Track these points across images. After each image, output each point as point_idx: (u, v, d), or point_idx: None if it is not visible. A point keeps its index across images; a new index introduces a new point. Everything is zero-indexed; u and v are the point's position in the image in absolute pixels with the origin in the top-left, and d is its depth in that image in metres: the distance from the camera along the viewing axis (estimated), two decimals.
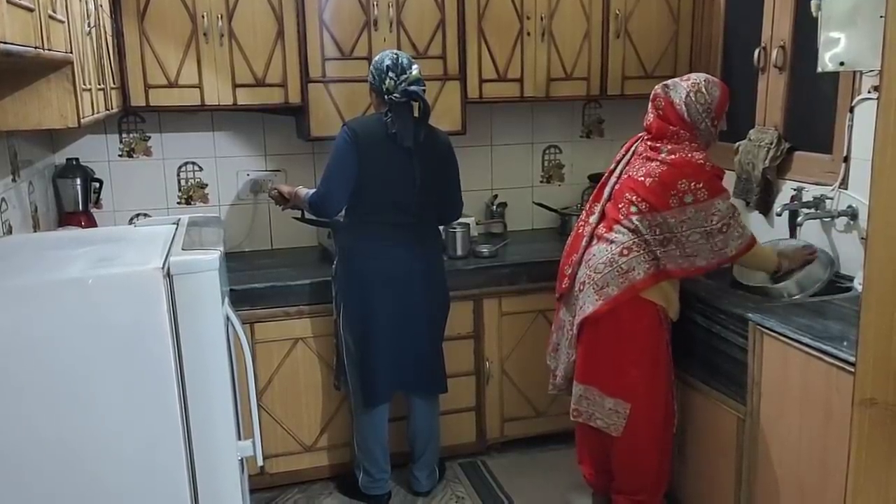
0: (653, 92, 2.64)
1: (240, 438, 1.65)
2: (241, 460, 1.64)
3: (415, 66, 2.71)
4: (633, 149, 2.69)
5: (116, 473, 1.47)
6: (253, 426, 1.69)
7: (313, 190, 2.81)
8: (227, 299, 1.65)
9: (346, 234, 2.83)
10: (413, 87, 2.66)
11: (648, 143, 2.62)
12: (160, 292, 1.44)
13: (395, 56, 2.71)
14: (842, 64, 2.24)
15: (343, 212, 2.81)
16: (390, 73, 2.67)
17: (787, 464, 2.33)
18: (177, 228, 1.81)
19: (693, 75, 2.62)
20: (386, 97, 2.68)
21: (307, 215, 3.03)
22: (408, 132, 2.69)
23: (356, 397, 2.90)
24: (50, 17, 1.74)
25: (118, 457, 1.47)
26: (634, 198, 2.55)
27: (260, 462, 1.69)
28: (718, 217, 2.47)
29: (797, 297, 2.61)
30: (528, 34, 3.32)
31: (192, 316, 1.47)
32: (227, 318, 1.61)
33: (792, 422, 2.29)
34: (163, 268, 1.45)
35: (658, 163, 2.54)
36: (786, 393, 2.30)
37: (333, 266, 2.87)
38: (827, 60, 2.27)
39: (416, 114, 2.72)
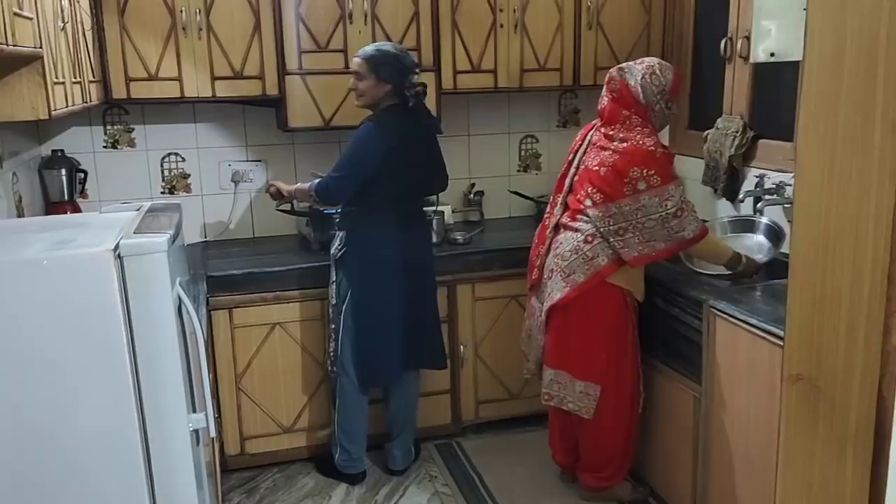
0: (608, 75, 2.69)
1: (194, 411, 1.74)
2: (196, 432, 1.74)
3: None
4: (588, 138, 2.76)
5: (72, 446, 1.56)
6: (205, 399, 1.79)
7: (317, 180, 2.90)
8: (180, 280, 1.74)
9: (360, 222, 2.91)
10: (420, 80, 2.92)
11: (602, 130, 2.68)
12: (111, 273, 1.53)
13: (409, 53, 2.90)
14: (772, 55, 2.29)
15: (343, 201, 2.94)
16: (416, 70, 2.89)
17: (738, 440, 2.41)
18: (138, 214, 1.90)
19: (647, 59, 2.68)
20: (407, 92, 2.84)
21: (297, 207, 3.22)
22: (432, 121, 3.01)
23: (353, 380, 2.98)
24: (15, 14, 1.83)
25: (74, 430, 1.56)
26: (590, 189, 2.62)
27: (212, 433, 1.79)
28: (672, 202, 2.53)
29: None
30: (501, 26, 3.39)
31: (142, 295, 1.56)
32: (180, 299, 1.70)
33: (741, 400, 2.37)
34: (114, 249, 1.54)
35: (611, 152, 2.60)
36: (735, 372, 2.38)
37: (333, 252, 2.95)
38: (759, 51, 2.32)
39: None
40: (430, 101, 3.33)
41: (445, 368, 3.20)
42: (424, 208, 3.10)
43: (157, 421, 1.62)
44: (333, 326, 2.99)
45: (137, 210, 1.95)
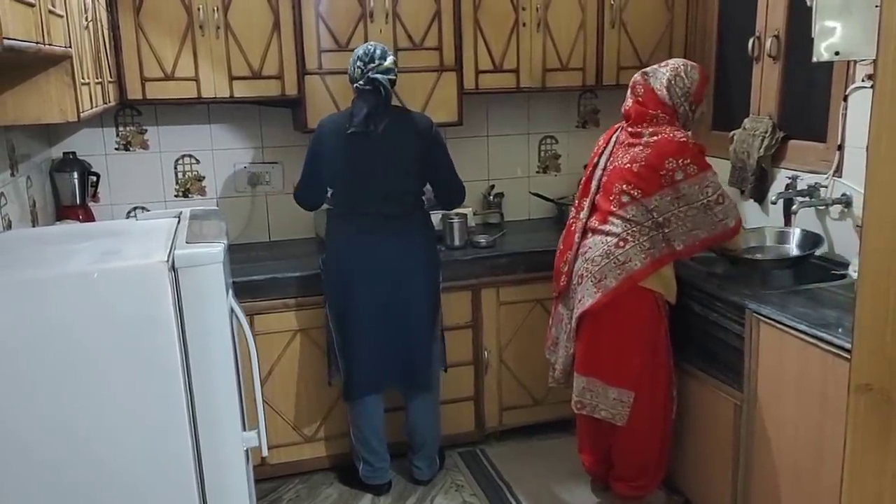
0: (632, 80, 2.67)
1: (245, 429, 1.66)
2: (247, 451, 1.66)
3: (389, 58, 2.72)
4: (613, 139, 2.71)
5: (124, 465, 1.48)
6: (258, 416, 1.71)
7: None
8: (231, 291, 1.67)
9: (328, 227, 2.88)
10: (378, 76, 2.67)
11: (629, 129, 2.64)
12: (165, 285, 1.45)
13: (370, 47, 2.73)
14: (837, 54, 2.25)
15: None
16: (358, 63, 2.70)
17: (784, 449, 2.35)
18: (179, 221, 1.82)
19: (671, 61, 2.66)
20: (353, 86, 2.72)
21: None
22: (361, 118, 2.68)
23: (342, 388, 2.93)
24: (50, 11, 1.74)
25: (126, 449, 1.48)
26: (625, 186, 2.57)
27: (265, 452, 1.71)
28: (713, 189, 2.51)
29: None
30: (524, 25, 3.33)
31: (197, 308, 1.49)
32: (232, 310, 1.63)
33: (788, 408, 2.32)
34: (167, 261, 1.46)
35: (641, 146, 2.56)
36: (782, 379, 2.33)
37: (321, 259, 2.90)
38: (822, 50, 2.28)
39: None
40: (451, 103, 3.27)
41: (430, 392, 2.98)
42: (412, 213, 2.84)
43: (211, 440, 1.54)
44: (327, 336, 2.95)
45: (177, 217, 1.87)
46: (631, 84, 2.67)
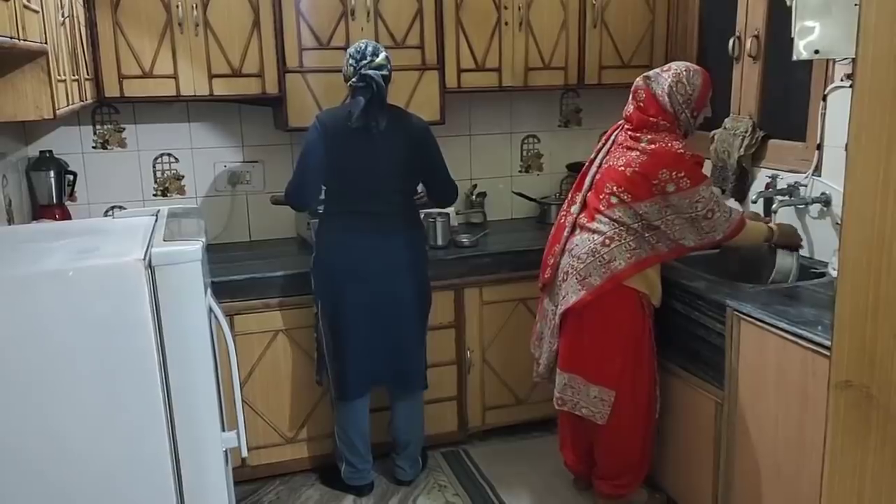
0: (634, 85, 2.65)
1: (224, 430, 1.64)
2: (226, 451, 1.64)
3: (381, 54, 2.70)
4: (613, 138, 2.70)
5: (101, 465, 1.46)
6: (237, 417, 1.68)
7: None
8: (209, 290, 1.64)
9: (320, 225, 2.83)
10: (370, 72, 2.65)
11: (629, 132, 2.63)
12: (142, 284, 1.43)
13: (361, 44, 2.72)
14: (816, 52, 2.27)
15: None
16: (350, 60, 2.69)
17: (765, 447, 2.36)
18: (156, 220, 1.79)
19: (674, 65, 2.63)
20: (347, 84, 2.70)
21: None
22: (360, 114, 2.66)
23: (334, 390, 2.90)
24: (25, 6, 1.71)
25: (102, 449, 1.46)
26: (615, 188, 2.56)
27: (244, 453, 1.69)
28: (703, 204, 2.49)
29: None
30: (506, 24, 3.33)
31: (174, 307, 1.46)
32: (210, 310, 1.60)
33: (769, 405, 2.33)
34: (144, 259, 1.44)
35: (638, 152, 2.55)
36: (762, 377, 2.34)
37: (312, 258, 2.87)
38: (802, 49, 2.29)
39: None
40: (433, 102, 3.26)
41: (424, 389, 3.01)
42: (403, 213, 2.83)
43: (189, 441, 1.52)
44: (315, 336, 2.93)
45: (154, 215, 1.84)
46: (633, 89, 2.64)
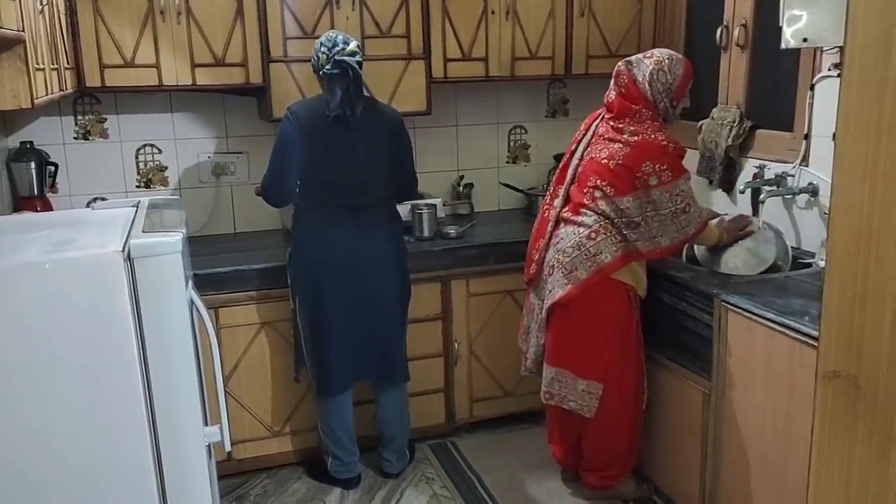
0: (615, 69, 2.62)
1: (207, 424, 1.61)
2: (209, 446, 1.61)
3: (353, 42, 2.65)
4: (592, 128, 2.68)
5: (80, 460, 1.43)
6: (220, 411, 1.66)
7: None
8: (190, 283, 1.62)
9: (296, 220, 2.79)
10: (345, 57, 2.61)
11: (610, 122, 2.60)
12: (121, 276, 1.40)
13: (331, 34, 2.67)
14: (805, 40, 2.25)
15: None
16: (322, 49, 2.64)
17: (752, 437, 2.36)
18: (137, 211, 1.76)
19: (657, 52, 2.61)
20: (321, 73, 2.65)
21: None
22: (337, 101, 2.62)
23: (316, 386, 2.88)
24: None
25: (82, 443, 1.43)
26: (599, 181, 2.55)
27: (227, 448, 1.67)
28: (682, 197, 2.49)
29: (744, 274, 2.64)
30: (493, 13, 3.30)
31: (154, 300, 1.44)
32: (192, 302, 1.58)
33: (756, 396, 2.33)
34: (123, 250, 1.41)
35: (621, 144, 2.53)
36: (750, 368, 2.34)
37: (288, 252, 2.83)
38: (790, 37, 2.28)
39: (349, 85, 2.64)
40: (419, 92, 3.23)
41: (406, 381, 2.98)
42: (382, 205, 2.80)
43: (171, 435, 1.49)
44: (293, 331, 2.89)
45: (135, 206, 1.81)
46: (615, 73, 2.62)
